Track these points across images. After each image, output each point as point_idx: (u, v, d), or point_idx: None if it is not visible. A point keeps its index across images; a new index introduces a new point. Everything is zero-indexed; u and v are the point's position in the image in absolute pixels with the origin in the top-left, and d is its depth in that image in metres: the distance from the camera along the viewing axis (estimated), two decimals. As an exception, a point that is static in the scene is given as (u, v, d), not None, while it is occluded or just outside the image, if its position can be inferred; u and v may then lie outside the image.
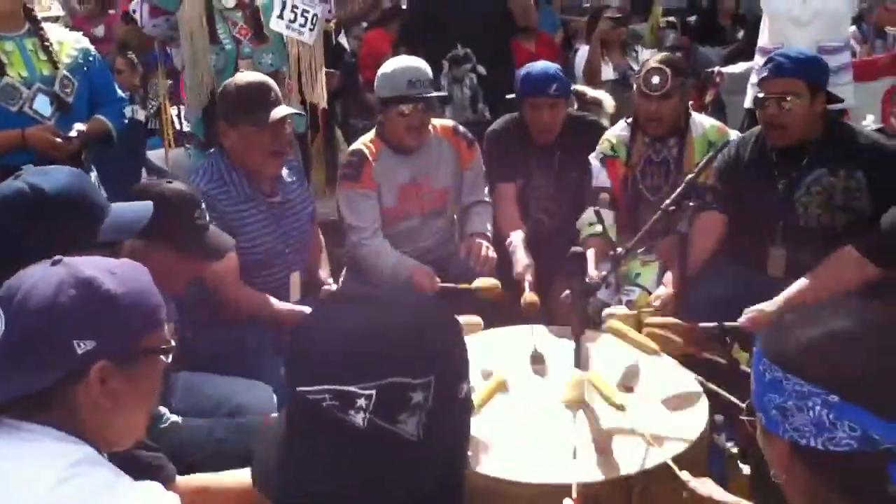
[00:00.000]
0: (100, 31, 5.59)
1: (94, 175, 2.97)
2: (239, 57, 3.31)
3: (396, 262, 2.94)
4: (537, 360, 2.30)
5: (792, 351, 1.05)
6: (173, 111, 4.81)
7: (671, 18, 6.62)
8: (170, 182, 2.21)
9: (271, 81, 2.72)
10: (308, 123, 3.61)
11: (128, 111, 3.54)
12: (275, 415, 2.04)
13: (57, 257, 1.22)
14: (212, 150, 2.79)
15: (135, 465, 1.37)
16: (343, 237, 3.15)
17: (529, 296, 2.74)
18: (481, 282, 2.83)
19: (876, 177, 2.64)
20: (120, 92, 3.21)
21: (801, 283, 2.48)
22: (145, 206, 1.84)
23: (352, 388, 0.91)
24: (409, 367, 0.93)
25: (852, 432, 0.99)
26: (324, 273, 2.99)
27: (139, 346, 1.22)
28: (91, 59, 3.01)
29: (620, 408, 1.99)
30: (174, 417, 1.95)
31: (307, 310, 2.59)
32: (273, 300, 2.60)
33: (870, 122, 4.30)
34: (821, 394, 1.01)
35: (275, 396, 2.27)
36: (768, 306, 2.46)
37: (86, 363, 1.16)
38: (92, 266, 1.21)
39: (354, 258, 3.06)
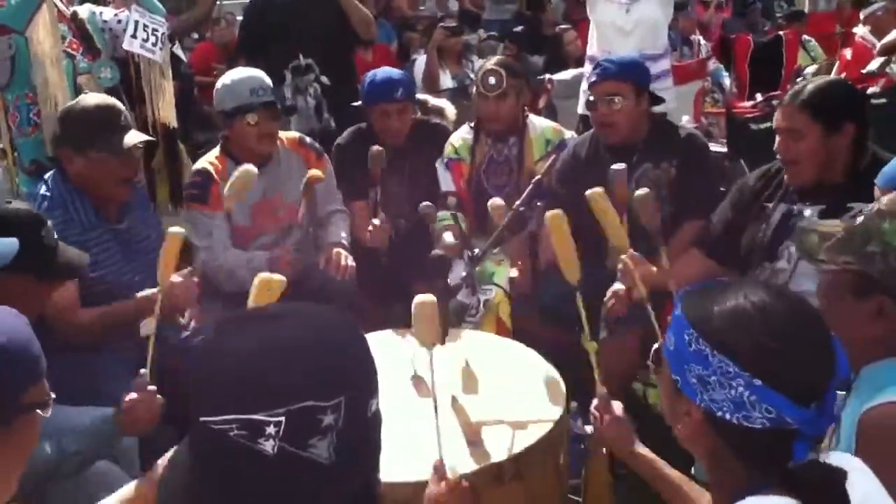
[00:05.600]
0: None
1: None
2: (77, 73, 3.15)
3: (249, 257, 2.91)
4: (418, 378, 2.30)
5: (721, 329, 1.09)
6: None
7: (493, 33, 6.96)
8: (8, 202, 2.07)
9: (119, 104, 2.61)
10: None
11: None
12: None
13: None
14: (47, 175, 2.63)
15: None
16: (192, 253, 3.06)
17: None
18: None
19: (687, 164, 2.91)
20: None
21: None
22: (9, 243, 1.73)
23: (259, 417, 0.86)
24: (318, 390, 0.88)
25: (768, 414, 1.05)
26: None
27: (19, 403, 1.11)
28: None
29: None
30: None
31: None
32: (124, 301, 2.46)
33: (685, 123, 4.68)
34: (746, 377, 1.06)
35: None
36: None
37: None
38: None
39: (207, 275, 2.99)
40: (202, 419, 0.88)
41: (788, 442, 1.06)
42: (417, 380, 2.24)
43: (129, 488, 1.52)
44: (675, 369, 1.14)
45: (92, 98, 2.64)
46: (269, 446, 0.86)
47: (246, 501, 0.89)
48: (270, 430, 0.86)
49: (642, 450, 1.69)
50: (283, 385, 0.87)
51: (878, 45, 5.31)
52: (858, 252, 1.40)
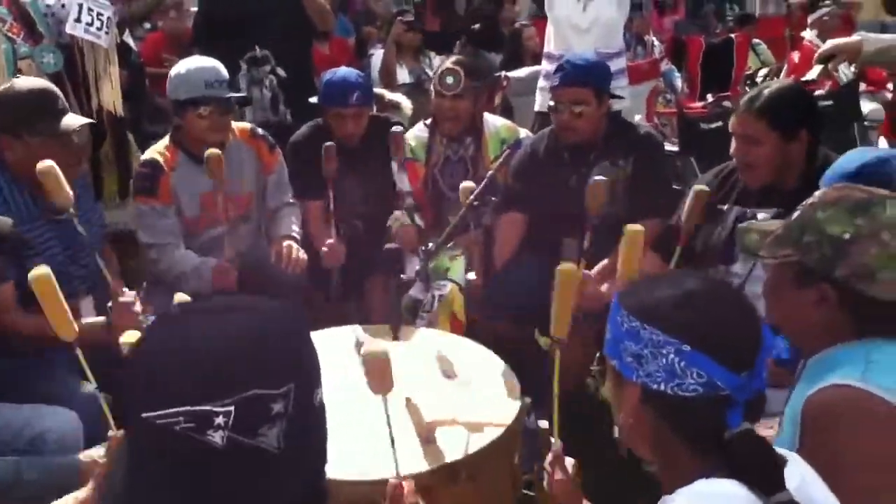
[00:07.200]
0: None
1: None
2: (17, 57, 3.04)
3: (197, 264, 2.85)
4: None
5: (651, 305, 1.16)
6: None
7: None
8: None
9: (54, 87, 2.52)
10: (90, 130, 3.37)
11: None
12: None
13: None
14: None
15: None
16: (139, 248, 2.99)
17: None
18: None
19: (643, 162, 2.93)
20: None
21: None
22: None
23: (208, 407, 0.83)
24: (268, 378, 0.87)
25: (699, 379, 1.11)
26: (119, 285, 2.81)
27: None
28: None
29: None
30: None
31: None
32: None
33: (638, 121, 4.72)
34: (674, 343, 1.11)
35: (82, 423, 2.10)
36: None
37: None
38: None
39: (155, 273, 2.92)
40: (143, 415, 0.84)
41: (722, 410, 1.11)
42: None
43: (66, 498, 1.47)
44: (612, 354, 1.19)
45: (25, 82, 2.54)
46: (218, 437, 0.84)
47: (194, 496, 0.86)
48: (220, 420, 0.84)
49: None
50: (232, 374, 0.85)
51: (816, 53, 5.42)
52: (796, 243, 1.44)
